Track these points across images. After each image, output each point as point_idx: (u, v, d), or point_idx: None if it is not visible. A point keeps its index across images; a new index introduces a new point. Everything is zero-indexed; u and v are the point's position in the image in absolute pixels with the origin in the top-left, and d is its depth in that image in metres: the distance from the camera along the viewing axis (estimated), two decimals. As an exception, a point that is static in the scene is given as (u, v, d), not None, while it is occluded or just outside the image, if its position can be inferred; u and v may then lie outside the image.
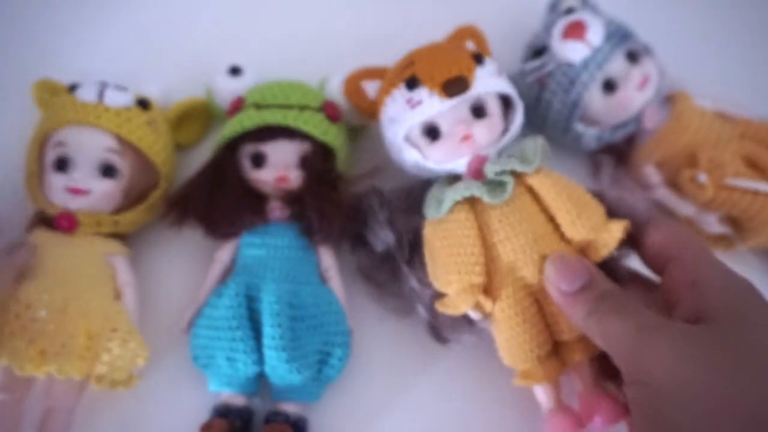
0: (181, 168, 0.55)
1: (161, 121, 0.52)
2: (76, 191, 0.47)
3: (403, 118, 0.47)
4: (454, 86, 0.46)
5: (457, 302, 0.44)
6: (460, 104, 0.47)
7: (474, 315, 0.45)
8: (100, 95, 0.48)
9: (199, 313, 0.48)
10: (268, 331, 0.45)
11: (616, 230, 0.44)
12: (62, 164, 0.47)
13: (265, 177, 0.50)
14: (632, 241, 0.41)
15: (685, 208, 0.52)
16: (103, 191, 0.47)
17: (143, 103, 0.50)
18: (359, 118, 0.54)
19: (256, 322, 0.46)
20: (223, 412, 0.46)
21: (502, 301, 0.44)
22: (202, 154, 0.55)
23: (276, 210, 0.50)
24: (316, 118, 0.50)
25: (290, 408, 0.47)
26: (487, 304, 0.44)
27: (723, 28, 0.64)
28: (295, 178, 0.50)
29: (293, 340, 0.45)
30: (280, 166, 0.49)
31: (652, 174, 0.53)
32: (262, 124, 0.49)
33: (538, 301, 0.45)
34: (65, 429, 0.44)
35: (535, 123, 0.53)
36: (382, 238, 0.47)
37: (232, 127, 0.50)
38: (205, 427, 0.45)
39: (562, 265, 0.41)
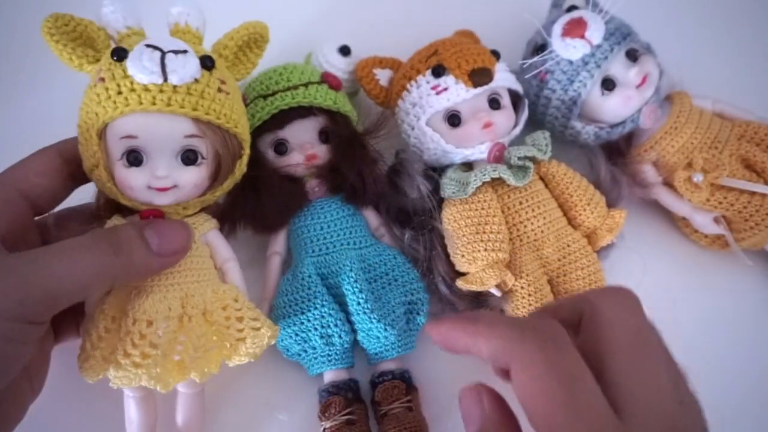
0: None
1: (227, 72, 0.45)
2: (162, 190, 0.41)
3: (427, 104, 0.50)
4: (480, 76, 0.49)
5: (484, 278, 0.47)
6: (480, 94, 0.50)
7: (496, 291, 0.47)
8: (163, 70, 0.39)
9: (272, 308, 0.49)
10: (352, 298, 0.47)
11: (620, 217, 0.50)
12: (135, 157, 0.40)
13: (294, 160, 0.50)
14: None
15: (681, 208, 0.54)
16: (191, 182, 0.42)
17: (208, 62, 0.42)
18: (351, 86, 0.57)
19: (334, 296, 0.48)
20: (332, 390, 0.47)
21: (523, 279, 0.48)
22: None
23: (315, 188, 0.51)
24: (323, 90, 0.51)
25: (391, 365, 0.49)
26: (510, 281, 0.47)
27: (724, 29, 0.65)
28: (322, 153, 0.51)
29: (377, 300, 0.47)
30: (304, 146, 0.50)
31: (649, 173, 0.54)
32: (276, 110, 0.50)
33: (550, 280, 0.49)
34: (202, 409, 0.45)
35: (534, 119, 0.56)
36: (419, 184, 0.49)
37: (248, 122, 0.50)
38: (324, 409, 0.46)
39: (463, 404, 0.34)
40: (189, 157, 0.41)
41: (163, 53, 0.40)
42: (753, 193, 0.50)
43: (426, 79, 0.50)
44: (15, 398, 0.39)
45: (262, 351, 0.43)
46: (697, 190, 0.51)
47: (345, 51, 0.57)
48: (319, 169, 0.51)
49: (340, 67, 0.56)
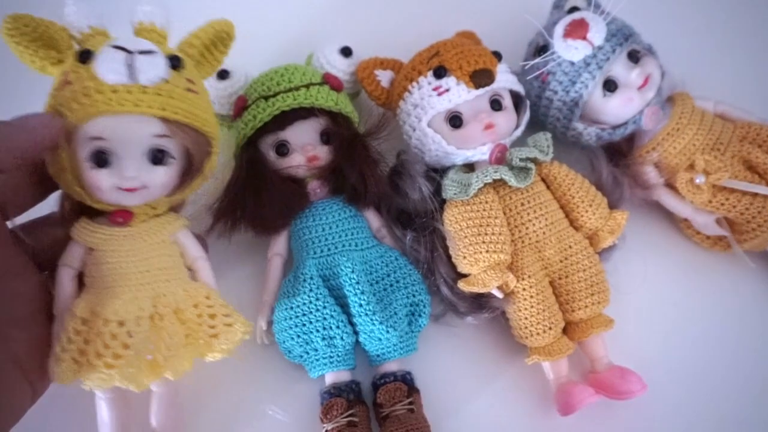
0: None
1: (194, 71, 0.44)
2: (130, 191, 0.41)
3: (429, 105, 0.50)
4: (482, 77, 0.49)
5: (486, 279, 0.47)
6: (482, 95, 0.50)
7: (498, 293, 0.47)
8: (131, 71, 0.39)
9: (273, 309, 0.49)
10: (354, 300, 0.47)
11: (621, 218, 0.50)
12: (103, 160, 0.40)
13: (295, 162, 0.50)
14: None
15: (683, 209, 0.53)
16: (160, 182, 0.41)
17: (176, 62, 0.41)
18: (352, 87, 0.57)
19: (336, 298, 0.48)
20: (333, 392, 0.47)
21: (525, 280, 0.48)
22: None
23: (316, 189, 0.51)
24: (324, 91, 0.51)
25: (393, 366, 0.48)
26: (512, 282, 0.47)
27: (726, 30, 0.65)
28: (323, 154, 0.51)
29: (379, 302, 0.47)
30: (306, 148, 0.50)
31: (651, 174, 0.54)
32: (277, 111, 0.50)
33: (552, 282, 0.50)
34: (177, 407, 0.44)
35: (535, 120, 0.56)
36: (420, 185, 0.49)
37: (249, 124, 0.51)
38: (326, 411, 0.46)
39: None
40: (158, 157, 0.41)
41: (131, 54, 0.39)
42: (755, 195, 0.50)
43: (427, 80, 0.50)
44: (10, 400, 0.39)
45: (236, 346, 0.43)
46: (699, 192, 0.51)
47: (346, 52, 0.57)
48: (321, 171, 0.51)
49: (341, 68, 0.56)
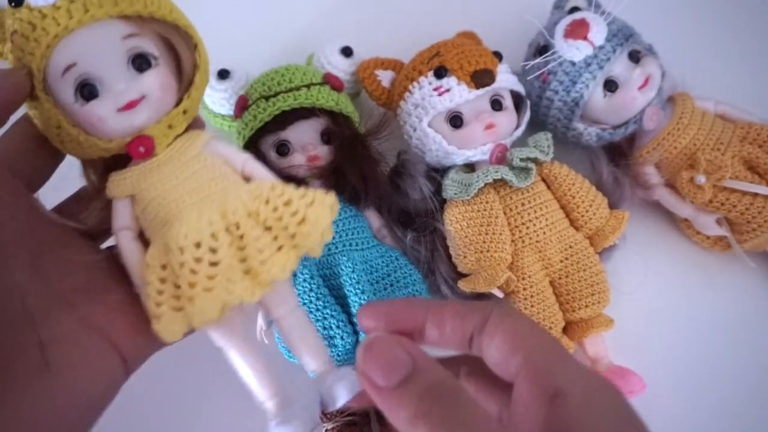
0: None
1: None
2: (131, 104, 0.37)
3: (429, 105, 0.50)
4: (482, 77, 0.49)
5: (486, 279, 0.47)
6: (482, 96, 0.50)
7: (498, 293, 0.47)
8: None
9: None
10: (355, 300, 0.47)
11: (622, 218, 0.50)
12: (89, 89, 0.37)
13: (296, 162, 0.50)
14: (478, 342, 0.30)
15: (683, 209, 0.53)
16: (157, 85, 0.38)
17: None
18: (353, 87, 0.57)
19: (336, 298, 0.48)
20: None
21: (525, 280, 0.48)
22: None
23: (317, 189, 0.50)
24: (325, 91, 0.52)
25: None
26: (512, 282, 0.48)
27: (726, 30, 0.65)
28: (324, 154, 0.51)
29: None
30: (306, 147, 0.50)
31: (652, 174, 0.54)
32: (278, 111, 0.50)
33: (552, 282, 0.50)
34: (310, 323, 0.39)
35: (536, 120, 0.56)
36: (421, 185, 0.50)
37: (249, 124, 0.51)
38: (325, 410, 0.45)
39: (377, 350, 0.30)
40: (140, 63, 0.37)
41: None
42: (755, 195, 0.50)
43: (428, 81, 0.51)
44: (99, 367, 0.35)
45: (330, 221, 0.38)
46: (700, 192, 0.51)
47: (347, 52, 0.57)
48: (321, 170, 0.51)
49: (342, 68, 0.56)
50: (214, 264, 0.35)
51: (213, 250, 0.35)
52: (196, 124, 0.42)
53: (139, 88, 0.37)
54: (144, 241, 0.39)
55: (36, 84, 0.36)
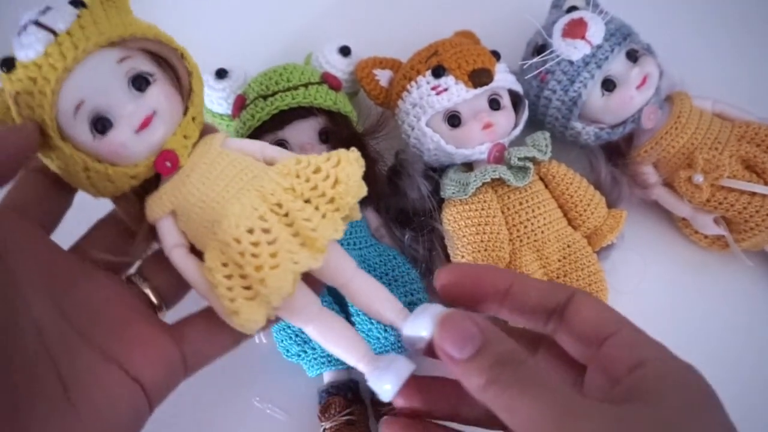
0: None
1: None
2: (146, 122, 0.38)
3: (427, 104, 0.50)
4: (480, 77, 0.49)
5: (484, 278, 0.47)
6: (480, 95, 0.50)
7: (496, 292, 0.47)
8: (46, 29, 0.37)
9: None
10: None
11: (620, 217, 0.50)
12: (102, 123, 0.38)
13: None
14: (558, 318, 0.33)
15: (681, 209, 0.54)
16: (162, 98, 0.39)
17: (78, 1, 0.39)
18: (351, 86, 0.57)
19: (334, 297, 0.48)
20: (331, 391, 0.47)
21: (525, 279, 0.47)
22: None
23: None
24: (323, 90, 0.52)
25: None
26: (511, 281, 0.47)
27: (724, 29, 0.64)
28: (321, 153, 0.50)
29: None
30: (304, 147, 0.50)
31: (649, 173, 0.54)
32: (276, 110, 0.50)
33: (550, 281, 0.49)
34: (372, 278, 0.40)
35: (534, 120, 0.56)
36: (419, 185, 0.50)
37: (247, 123, 0.51)
38: (324, 409, 0.46)
39: (450, 326, 0.32)
40: (140, 83, 0.38)
41: (35, 21, 0.37)
42: (753, 194, 0.50)
43: (426, 80, 0.50)
44: (113, 400, 0.35)
45: (360, 175, 0.39)
46: (698, 191, 0.51)
47: (345, 51, 0.57)
48: (319, 170, 0.51)
49: (340, 67, 0.56)
50: (272, 242, 0.35)
51: (266, 231, 0.35)
52: (207, 131, 0.43)
53: (147, 104, 0.38)
54: (197, 254, 0.39)
55: (52, 134, 0.37)
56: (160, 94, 0.39)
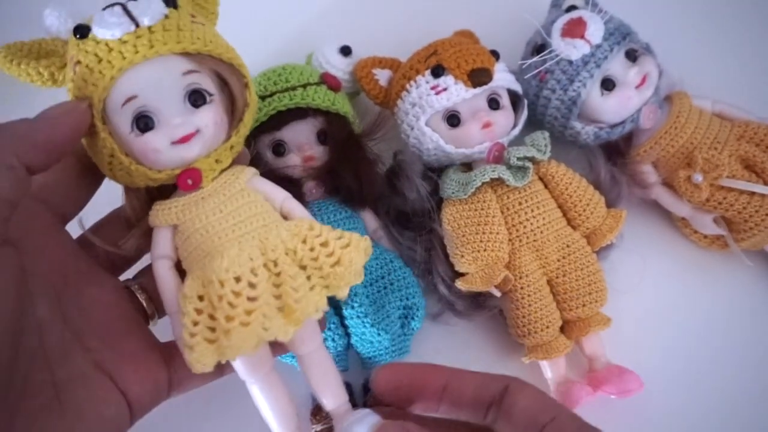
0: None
1: (192, 6, 0.42)
2: (186, 138, 0.38)
3: (427, 104, 0.50)
4: (480, 76, 0.49)
5: (483, 278, 0.47)
6: (480, 94, 0.50)
7: (495, 292, 0.48)
8: (131, 17, 0.37)
9: None
10: (347, 302, 0.46)
11: (619, 217, 0.50)
12: (144, 121, 0.38)
13: (291, 162, 0.50)
14: (496, 409, 0.32)
15: (680, 208, 0.53)
16: (210, 121, 0.39)
17: None
18: (352, 86, 0.57)
19: (328, 300, 0.47)
20: None
21: (522, 279, 0.48)
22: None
23: (312, 190, 0.51)
24: (321, 91, 0.51)
25: None
26: (510, 281, 0.48)
27: (724, 29, 0.64)
28: (319, 154, 0.51)
29: (372, 304, 0.47)
30: (302, 148, 0.50)
31: (649, 173, 0.54)
32: (274, 111, 0.50)
33: (549, 281, 0.50)
34: (331, 363, 0.40)
35: (533, 119, 0.56)
36: (418, 185, 0.50)
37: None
38: (315, 412, 0.46)
39: None
40: (197, 98, 0.39)
41: (123, 4, 0.38)
42: (752, 194, 0.50)
43: (425, 79, 0.50)
44: (102, 412, 0.36)
45: (362, 264, 0.39)
46: (697, 191, 0.51)
47: (346, 51, 0.57)
48: (317, 171, 0.51)
49: (340, 67, 0.56)
50: (252, 299, 0.35)
51: (252, 285, 0.35)
52: (240, 158, 0.43)
53: (195, 122, 0.38)
54: (179, 270, 0.40)
55: (95, 114, 0.37)
56: (210, 117, 0.39)
